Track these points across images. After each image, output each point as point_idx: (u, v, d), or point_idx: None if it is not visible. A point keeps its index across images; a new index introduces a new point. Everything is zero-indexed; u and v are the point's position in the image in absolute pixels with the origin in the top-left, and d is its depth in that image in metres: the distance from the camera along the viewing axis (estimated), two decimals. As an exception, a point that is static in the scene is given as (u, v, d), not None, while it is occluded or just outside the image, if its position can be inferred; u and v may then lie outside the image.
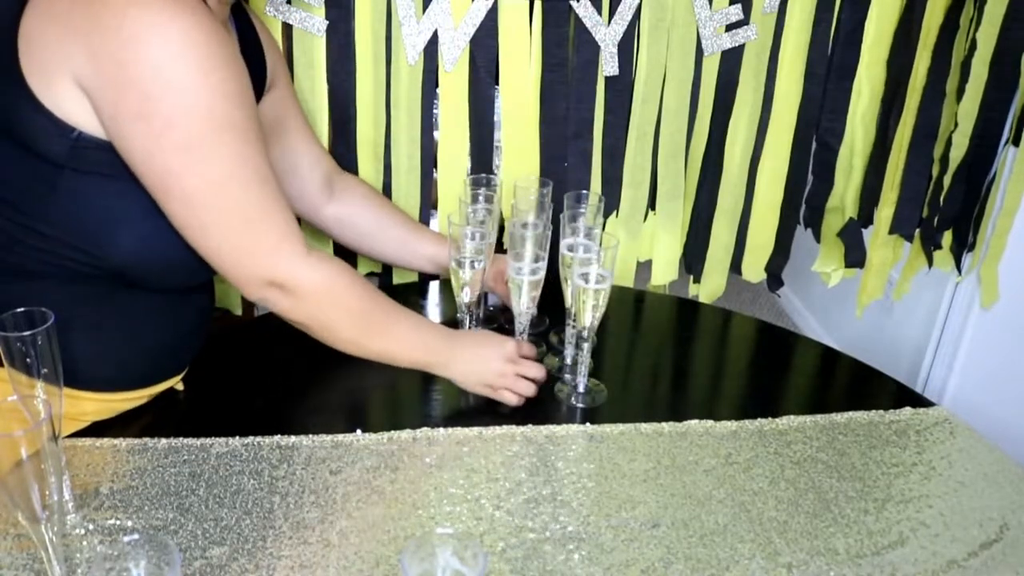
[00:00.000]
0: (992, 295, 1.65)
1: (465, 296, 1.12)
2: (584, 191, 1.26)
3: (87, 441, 0.96)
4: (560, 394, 1.10)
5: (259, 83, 1.09)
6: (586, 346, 1.08)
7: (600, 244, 1.08)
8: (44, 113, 0.82)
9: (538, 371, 1.08)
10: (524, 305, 1.10)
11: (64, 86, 0.81)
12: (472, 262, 1.10)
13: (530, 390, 1.07)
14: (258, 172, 0.88)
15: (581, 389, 1.10)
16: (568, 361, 1.15)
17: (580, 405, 1.09)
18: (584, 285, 1.03)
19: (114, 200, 0.87)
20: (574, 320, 1.08)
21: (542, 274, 1.08)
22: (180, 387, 1.06)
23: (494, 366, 1.06)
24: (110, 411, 0.98)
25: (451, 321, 1.22)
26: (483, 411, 1.07)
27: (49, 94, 0.82)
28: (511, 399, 1.06)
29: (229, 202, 0.87)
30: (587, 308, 1.04)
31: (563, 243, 1.12)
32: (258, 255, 0.91)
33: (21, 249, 0.88)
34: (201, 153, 0.84)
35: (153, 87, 0.80)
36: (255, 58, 1.08)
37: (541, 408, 1.08)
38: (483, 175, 1.24)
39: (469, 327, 1.15)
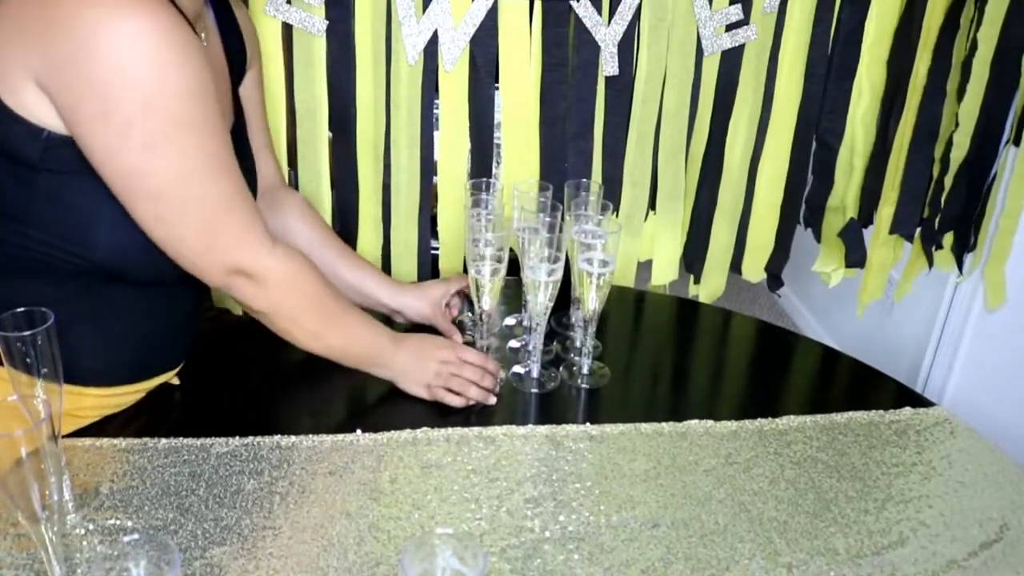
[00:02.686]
0: (998, 297, 1.65)
1: (485, 304, 1.11)
2: (584, 180, 1.26)
3: (87, 441, 0.96)
4: (565, 375, 1.14)
5: (241, 64, 1.10)
6: (591, 329, 1.12)
7: (605, 229, 1.10)
8: (12, 116, 0.82)
9: (474, 373, 1.07)
10: (541, 306, 1.09)
11: (26, 88, 0.82)
12: (493, 270, 1.09)
13: (472, 391, 1.06)
14: (221, 165, 0.89)
15: (586, 370, 1.14)
16: (578, 344, 1.17)
17: (584, 386, 1.13)
18: (588, 269, 1.05)
19: (92, 198, 0.87)
20: (579, 304, 1.11)
21: (559, 275, 1.08)
22: (176, 381, 1.06)
23: (431, 366, 1.06)
24: (108, 407, 0.99)
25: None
26: (483, 410, 1.07)
27: (15, 98, 0.82)
28: (453, 400, 1.06)
29: (193, 196, 0.87)
30: (591, 292, 1.07)
31: (570, 231, 1.14)
32: (222, 246, 0.91)
33: (8, 248, 0.88)
34: (163, 150, 0.84)
35: (110, 88, 0.80)
36: (234, 39, 1.08)
37: (541, 407, 1.08)
38: (483, 179, 1.23)
39: (482, 337, 1.15)
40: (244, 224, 0.91)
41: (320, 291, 1.00)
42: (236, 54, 1.08)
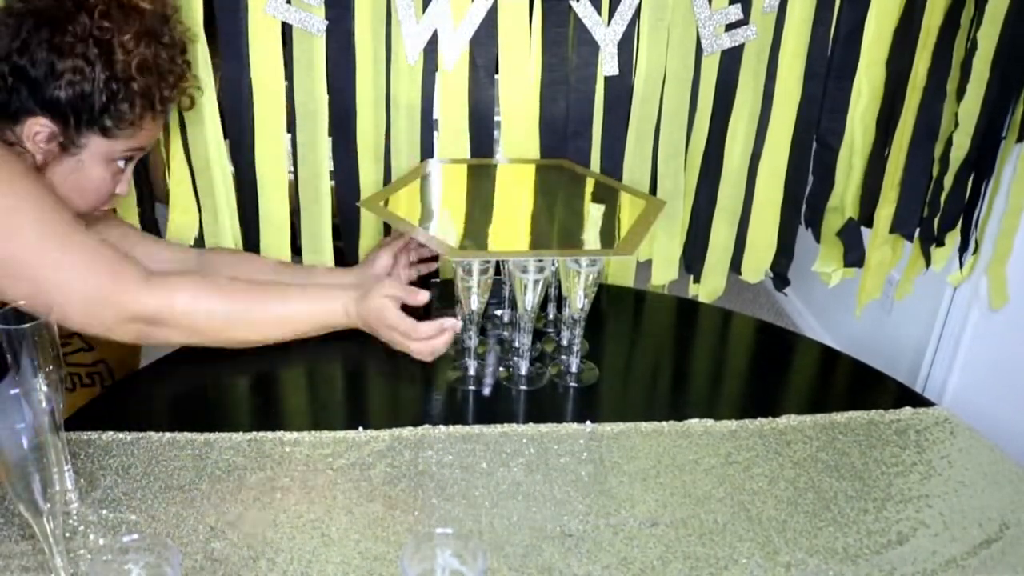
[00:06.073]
0: (1001, 296, 1.64)
1: (473, 303, 1.11)
2: None
3: (90, 434, 0.96)
4: (553, 373, 1.14)
5: None
6: (578, 328, 1.11)
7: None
8: None
9: (421, 351, 1.09)
10: (529, 304, 1.09)
11: None
12: (482, 268, 1.09)
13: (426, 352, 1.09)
14: (67, 227, 0.94)
15: (574, 369, 1.14)
16: (565, 343, 1.17)
17: (573, 384, 1.13)
18: (575, 268, 1.05)
19: None
20: (567, 303, 1.11)
21: (548, 272, 1.08)
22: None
23: (383, 334, 1.10)
24: None
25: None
26: (484, 409, 1.07)
27: None
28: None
29: (53, 259, 0.92)
30: (578, 291, 1.07)
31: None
32: (104, 296, 0.95)
33: None
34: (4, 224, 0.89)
35: None
36: None
37: (542, 406, 1.08)
38: None
39: (473, 336, 1.14)
40: (116, 270, 0.96)
41: (222, 297, 1.03)
42: None
